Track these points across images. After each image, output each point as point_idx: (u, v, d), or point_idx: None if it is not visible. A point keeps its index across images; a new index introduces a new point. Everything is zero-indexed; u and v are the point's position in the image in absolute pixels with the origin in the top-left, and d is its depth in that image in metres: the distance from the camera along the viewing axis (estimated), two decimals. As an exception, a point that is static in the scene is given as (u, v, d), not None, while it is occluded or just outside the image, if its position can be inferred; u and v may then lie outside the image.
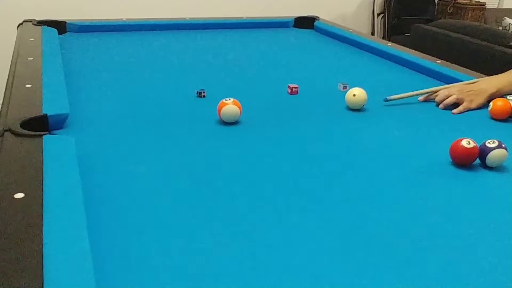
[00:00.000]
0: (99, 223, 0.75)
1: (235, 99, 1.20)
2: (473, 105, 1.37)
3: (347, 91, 1.49)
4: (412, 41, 3.39)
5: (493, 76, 1.45)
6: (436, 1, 4.49)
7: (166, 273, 0.66)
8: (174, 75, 1.62)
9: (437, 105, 1.40)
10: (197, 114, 1.27)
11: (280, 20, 2.52)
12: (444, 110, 1.37)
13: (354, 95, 1.33)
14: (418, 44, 3.11)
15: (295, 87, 1.45)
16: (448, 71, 1.62)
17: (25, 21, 2.09)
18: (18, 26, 2.05)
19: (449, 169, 1.01)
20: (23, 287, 0.55)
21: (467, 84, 1.44)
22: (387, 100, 1.38)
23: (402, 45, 2.03)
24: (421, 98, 1.45)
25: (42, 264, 0.58)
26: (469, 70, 1.62)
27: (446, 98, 1.38)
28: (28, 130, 0.96)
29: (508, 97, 1.32)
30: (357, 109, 1.34)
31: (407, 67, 1.79)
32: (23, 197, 0.72)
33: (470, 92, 1.38)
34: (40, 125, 1.03)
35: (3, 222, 0.67)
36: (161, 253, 0.70)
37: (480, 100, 1.37)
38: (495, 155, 0.99)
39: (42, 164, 0.83)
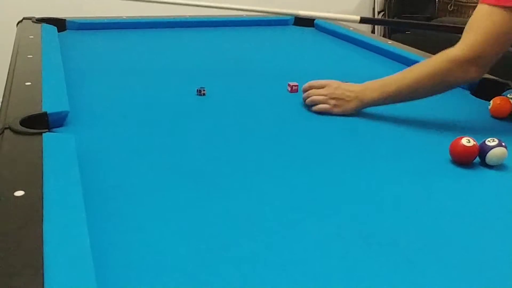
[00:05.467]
0: (99, 221, 0.75)
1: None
2: (337, 111, 1.25)
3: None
4: (412, 39, 3.38)
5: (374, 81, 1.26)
6: (436, -1, 4.49)
7: (167, 271, 0.66)
8: (173, 72, 1.62)
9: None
10: (197, 112, 1.27)
11: (280, 18, 2.51)
12: (443, 108, 1.36)
13: None
14: (418, 42, 3.09)
15: (295, 85, 1.44)
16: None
17: (24, 18, 2.09)
18: (17, 24, 2.04)
19: (448, 168, 1.01)
20: (24, 285, 0.55)
21: (343, 85, 1.28)
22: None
23: (403, 43, 2.02)
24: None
25: (43, 262, 0.58)
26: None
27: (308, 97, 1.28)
28: (28, 128, 0.96)
29: (508, 95, 1.32)
30: None
31: (407, 65, 1.78)
32: (23, 195, 0.72)
33: (340, 95, 1.25)
34: (40, 122, 1.03)
35: (2, 219, 0.67)
36: (162, 251, 0.70)
37: (348, 106, 1.25)
38: (495, 153, 0.99)
39: (42, 162, 0.83)
